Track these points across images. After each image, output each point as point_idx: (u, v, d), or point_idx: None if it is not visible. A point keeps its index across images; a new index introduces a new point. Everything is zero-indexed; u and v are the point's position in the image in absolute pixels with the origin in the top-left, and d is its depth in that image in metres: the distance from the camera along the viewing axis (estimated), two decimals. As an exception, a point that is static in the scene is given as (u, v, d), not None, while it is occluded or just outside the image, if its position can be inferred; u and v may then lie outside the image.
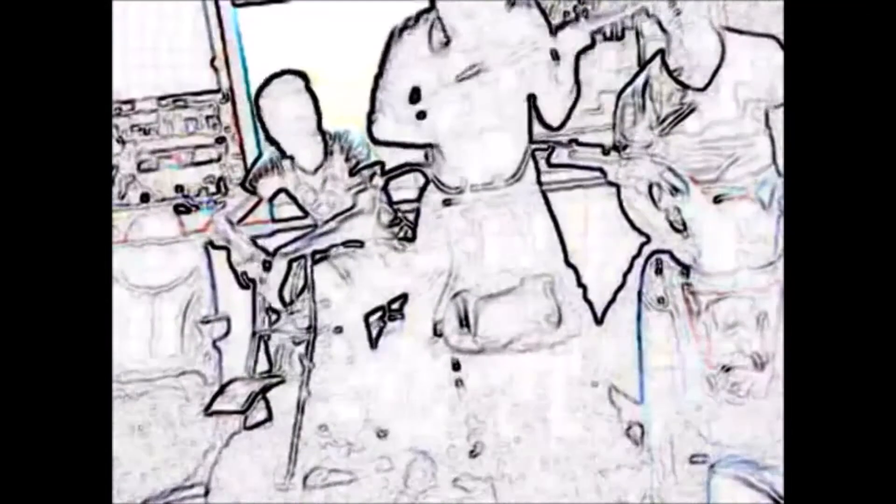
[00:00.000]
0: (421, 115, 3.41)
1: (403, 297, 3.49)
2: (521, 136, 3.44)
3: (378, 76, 3.41)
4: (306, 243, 3.47)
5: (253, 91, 3.44)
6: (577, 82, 3.40)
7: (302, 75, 3.40)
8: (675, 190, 3.33)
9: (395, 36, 3.40)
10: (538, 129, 3.45)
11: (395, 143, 3.45)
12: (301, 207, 3.47)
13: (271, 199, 3.49)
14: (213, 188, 3.48)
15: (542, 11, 3.39)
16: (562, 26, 3.40)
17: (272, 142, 3.43)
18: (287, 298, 3.49)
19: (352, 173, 3.44)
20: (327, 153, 3.44)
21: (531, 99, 3.41)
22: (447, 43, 3.38)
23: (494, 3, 3.38)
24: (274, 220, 3.50)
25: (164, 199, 3.47)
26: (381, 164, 3.45)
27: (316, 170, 3.45)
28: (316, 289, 3.48)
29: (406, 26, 3.40)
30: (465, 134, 3.42)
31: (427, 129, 3.43)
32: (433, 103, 3.41)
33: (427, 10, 3.39)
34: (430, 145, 3.44)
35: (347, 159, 3.46)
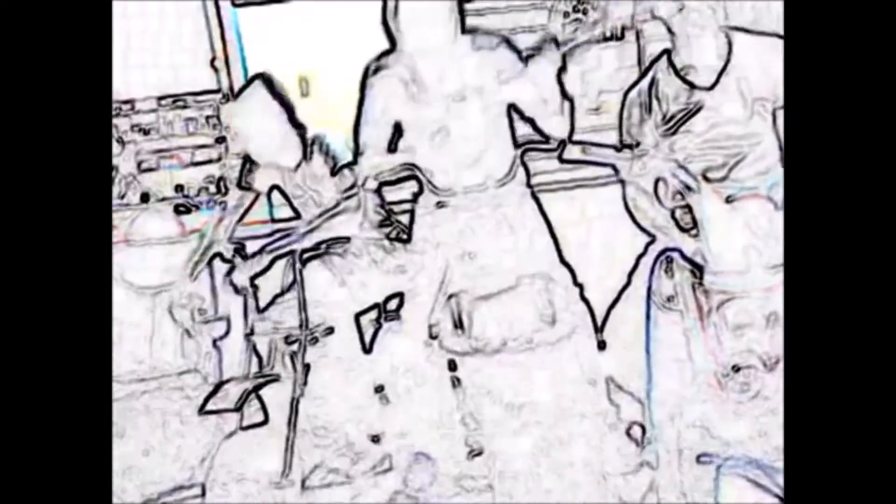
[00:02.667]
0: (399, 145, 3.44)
1: (399, 298, 3.49)
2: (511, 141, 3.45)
3: (358, 116, 3.41)
4: (292, 241, 3.47)
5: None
6: (567, 96, 3.41)
7: (265, 79, 3.42)
8: (686, 188, 3.32)
9: (368, 75, 3.41)
10: (530, 129, 3.46)
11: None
12: (292, 205, 3.47)
13: (269, 197, 3.49)
14: (213, 188, 3.48)
15: (513, 47, 3.41)
16: (531, 56, 3.42)
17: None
18: (274, 298, 3.50)
19: (333, 174, 3.45)
20: (306, 153, 3.45)
21: (511, 109, 3.43)
22: (418, 90, 3.40)
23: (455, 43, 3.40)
24: (273, 220, 3.50)
25: (164, 199, 3.47)
26: (355, 164, 3.46)
27: (297, 167, 3.45)
28: (306, 288, 3.48)
29: (378, 67, 3.41)
30: (452, 155, 3.44)
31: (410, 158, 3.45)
32: (415, 139, 3.42)
33: (390, 52, 3.41)
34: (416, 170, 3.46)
35: (326, 161, 3.46)
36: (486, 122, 3.42)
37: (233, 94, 3.45)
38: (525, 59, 3.42)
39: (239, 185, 3.45)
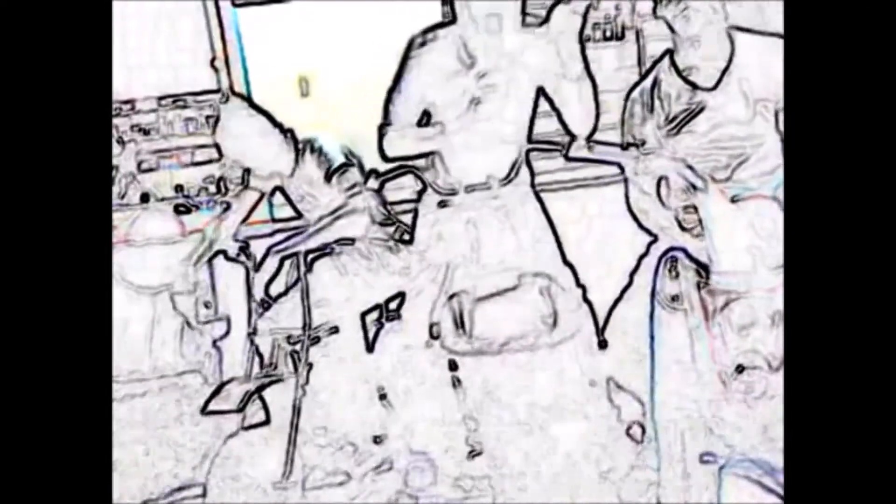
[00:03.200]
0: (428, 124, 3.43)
1: (401, 298, 3.49)
2: (519, 137, 3.44)
3: (392, 88, 3.41)
4: (298, 241, 3.47)
5: (253, 91, 3.46)
6: (590, 73, 3.41)
7: (243, 97, 3.42)
8: (693, 187, 3.32)
9: (413, 47, 3.40)
10: (536, 127, 3.45)
11: (406, 157, 3.46)
12: (294, 207, 3.48)
13: (271, 197, 3.50)
14: (213, 188, 3.48)
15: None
16: (553, 8, 3.40)
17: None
18: (277, 297, 3.50)
19: (327, 178, 3.44)
20: (298, 158, 3.45)
21: (538, 100, 3.42)
22: (472, 65, 3.39)
23: (511, 23, 3.39)
24: (273, 220, 3.50)
25: (164, 199, 3.48)
26: (349, 166, 3.45)
27: (292, 172, 3.46)
28: (310, 288, 3.48)
29: (426, 41, 3.40)
30: (471, 142, 3.43)
31: (436, 142, 3.44)
32: (444, 119, 3.42)
33: (444, 24, 3.40)
34: (433, 153, 3.45)
35: (319, 165, 3.46)
36: (518, 102, 3.41)
37: (233, 94, 3.45)
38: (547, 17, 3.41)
39: (243, 184, 3.46)
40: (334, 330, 3.49)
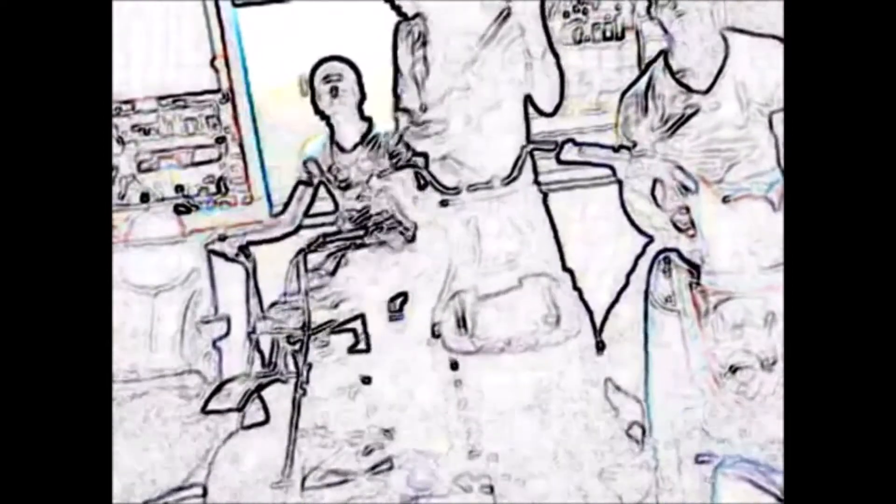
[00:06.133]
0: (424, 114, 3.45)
1: (403, 297, 3.50)
2: (519, 136, 3.45)
3: (394, 72, 3.44)
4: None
5: (253, 91, 3.46)
6: (553, 48, 3.41)
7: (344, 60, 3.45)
8: (684, 189, 3.32)
9: (398, 32, 3.42)
10: (537, 127, 3.46)
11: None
12: (333, 197, 3.49)
13: (269, 198, 3.50)
14: (213, 188, 3.49)
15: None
16: None
17: (322, 116, 3.47)
18: (280, 296, 3.51)
19: (393, 165, 3.46)
20: (366, 136, 3.46)
21: (527, 99, 3.43)
22: (424, 43, 3.41)
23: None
24: (273, 217, 3.51)
25: (164, 199, 3.48)
26: (417, 163, 3.48)
27: (354, 147, 3.47)
28: (311, 288, 3.49)
29: (400, 26, 3.43)
30: (463, 134, 3.44)
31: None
32: (432, 101, 3.43)
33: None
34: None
35: (391, 155, 3.49)
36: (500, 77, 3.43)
37: (233, 95, 3.46)
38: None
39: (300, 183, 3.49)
40: (335, 330, 3.50)
